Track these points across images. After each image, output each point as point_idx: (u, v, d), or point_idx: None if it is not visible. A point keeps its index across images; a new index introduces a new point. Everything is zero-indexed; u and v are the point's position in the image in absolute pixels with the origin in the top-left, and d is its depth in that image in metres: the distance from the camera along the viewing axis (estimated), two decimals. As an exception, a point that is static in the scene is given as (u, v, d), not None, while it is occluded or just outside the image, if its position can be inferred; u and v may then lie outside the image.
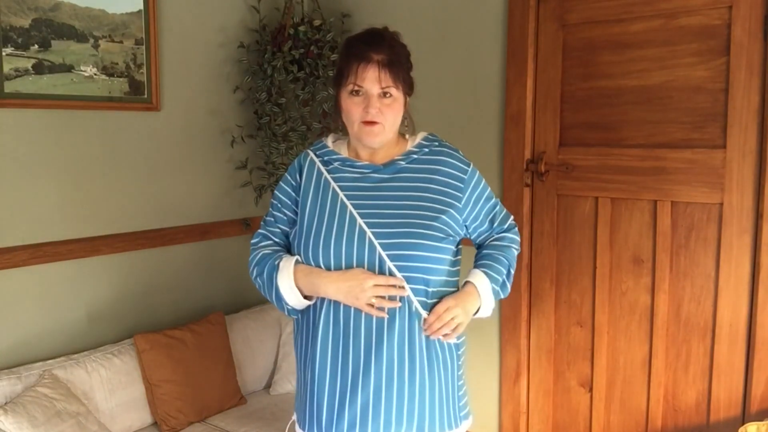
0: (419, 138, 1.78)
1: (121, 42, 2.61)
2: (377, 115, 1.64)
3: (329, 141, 1.81)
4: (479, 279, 1.72)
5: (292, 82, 2.92)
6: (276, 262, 1.70)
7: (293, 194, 1.77)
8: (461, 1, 2.76)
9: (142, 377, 2.50)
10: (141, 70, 2.67)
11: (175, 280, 2.87)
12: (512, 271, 1.80)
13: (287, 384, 2.84)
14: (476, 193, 1.75)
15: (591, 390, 2.59)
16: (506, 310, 2.73)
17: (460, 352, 1.76)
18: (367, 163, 1.72)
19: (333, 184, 1.70)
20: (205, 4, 2.88)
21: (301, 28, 2.90)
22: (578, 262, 2.58)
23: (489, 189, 1.81)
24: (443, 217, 1.67)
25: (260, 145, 3.02)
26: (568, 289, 2.62)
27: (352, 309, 1.62)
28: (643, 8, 2.35)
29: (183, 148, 2.86)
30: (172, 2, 2.76)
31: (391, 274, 1.61)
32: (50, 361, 2.38)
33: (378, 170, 1.71)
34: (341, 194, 1.68)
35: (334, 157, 1.75)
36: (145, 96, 2.69)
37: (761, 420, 2.16)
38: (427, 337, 1.65)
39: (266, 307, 3.05)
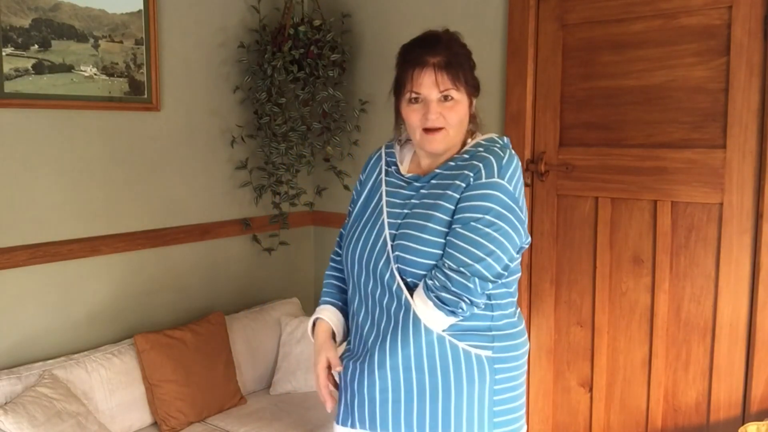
0: (474, 141, 1.68)
1: (121, 42, 2.61)
2: (438, 120, 1.60)
3: (399, 142, 1.78)
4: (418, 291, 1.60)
5: (292, 82, 2.92)
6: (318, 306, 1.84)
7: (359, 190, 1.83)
8: (461, 1, 2.76)
9: (142, 377, 2.50)
10: (141, 70, 2.67)
11: (175, 280, 2.87)
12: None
13: (287, 384, 2.84)
14: (471, 194, 1.56)
15: (591, 390, 2.59)
16: (506, 310, 2.73)
17: (495, 366, 1.61)
18: (411, 175, 1.70)
19: (383, 187, 1.71)
20: (205, 4, 2.87)
21: (301, 28, 2.90)
22: (578, 262, 2.58)
23: (495, 223, 1.54)
24: (445, 217, 1.59)
25: (260, 145, 3.02)
26: (568, 289, 2.62)
27: (374, 313, 1.64)
28: (643, 8, 2.35)
29: (183, 148, 2.86)
30: (172, 2, 2.76)
31: (391, 276, 1.60)
32: (50, 361, 2.38)
33: (418, 179, 1.68)
34: (384, 199, 1.69)
35: (394, 160, 1.76)
36: (145, 96, 2.69)
37: (761, 420, 2.16)
38: (451, 348, 1.59)
39: (266, 307, 3.05)
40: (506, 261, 1.58)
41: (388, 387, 1.61)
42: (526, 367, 1.73)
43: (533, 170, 2.64)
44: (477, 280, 1.54)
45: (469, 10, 2.74)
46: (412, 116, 1.62)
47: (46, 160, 2.45)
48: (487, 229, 1.54)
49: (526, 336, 1.75)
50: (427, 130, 1.61)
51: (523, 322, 1.76)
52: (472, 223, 1.54)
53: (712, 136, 2.28)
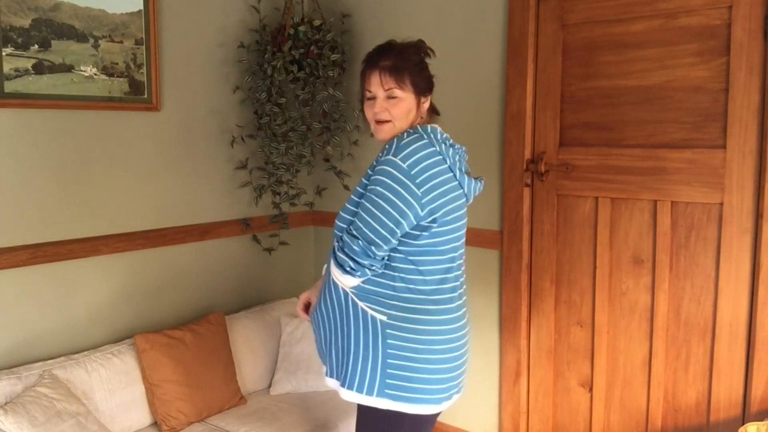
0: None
1: (121, 42, 2.61)
2: (383, 114, 1.88)
3: None
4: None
5: (292, 82, 2.92)
6: None
7: None
8: (461, 2, 2.76)
9: (142, 377, 2.50)
10: (141, 70, 2.67)
11: (175, 280, 2.87)
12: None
13: (287, 384, 2.84)
14: (374, 171, 1.82)
15: (591, 390, 2.59)
16: (506, 310, 2.73)
17: (388, 331, 1.83)
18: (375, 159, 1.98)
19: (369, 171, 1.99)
20: (205, 4, 2.87)
21: (301, 28, 2.90)
22: (578, 262, 2.58)
23: (383, 193, 1.78)
24: (360, 190, 1.87)
25: (260, 145, 3.02)
26: (568, 289, 2.62)
27: (329, 279, 1.93)
28: (643, 8, 2.35)
29: (183, 148, 2.86)
30: (172, 2, 2.76)
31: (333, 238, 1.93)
32: (50, 361, 2.38)
33: (376, 159, 1.94)
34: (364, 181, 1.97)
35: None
36: (145, 96, 2.69)
37: (761, 420, 2.16)
38: (353, 304, 1.87)
39: (266, 307, 3.05)
40: (391, 226, 1.78)
41: (318, 328, 1.99)
42: (440, 347, 1.85)
43: (533, 170, 2.64)
44: (361, 242, 1.79)
45: (469, 10, 2.74)
46: (367, 110, 1.93)
47: (46, 160, 2.45)
48: (377, 199, 1.80)
49: (445, 320, 1.86)
50: (378, 122, 1.90)
51: (450, 306, 1.88)
52: (367, 194, 1.83)
53: (712, 136, 2.28)
